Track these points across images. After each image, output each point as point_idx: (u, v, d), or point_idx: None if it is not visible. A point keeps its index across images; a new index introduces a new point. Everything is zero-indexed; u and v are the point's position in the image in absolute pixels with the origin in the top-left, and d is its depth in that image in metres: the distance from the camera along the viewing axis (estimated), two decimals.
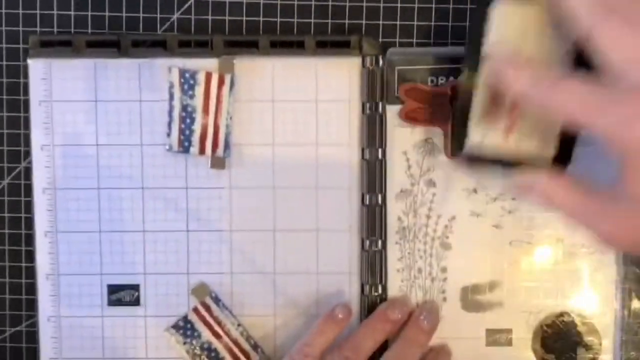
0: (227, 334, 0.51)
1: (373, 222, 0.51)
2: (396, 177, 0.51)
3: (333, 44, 0.51)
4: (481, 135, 0.46)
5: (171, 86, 0.50)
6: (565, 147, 0.46)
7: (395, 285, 0.51)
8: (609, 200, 0.41)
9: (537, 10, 0.45)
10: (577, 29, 0.41)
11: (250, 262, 0.51)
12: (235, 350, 0.51)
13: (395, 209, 0.51)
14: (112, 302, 0.51)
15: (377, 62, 0.50)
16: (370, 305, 0.51)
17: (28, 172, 0.51)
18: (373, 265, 0.51)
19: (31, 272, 0.51)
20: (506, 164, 0.46)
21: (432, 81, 0.50)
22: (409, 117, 0.51)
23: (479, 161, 0.47)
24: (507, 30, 0.45)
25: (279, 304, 0.51)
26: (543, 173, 0.44)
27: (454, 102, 0.49)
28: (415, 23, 0.52)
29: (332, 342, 0.49)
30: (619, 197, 0.40)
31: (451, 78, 0.50)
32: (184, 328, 0.51)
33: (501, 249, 0.51)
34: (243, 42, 0.51)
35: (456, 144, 0.47)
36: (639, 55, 0.39)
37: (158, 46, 0.50)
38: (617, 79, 0.40)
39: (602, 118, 0.39)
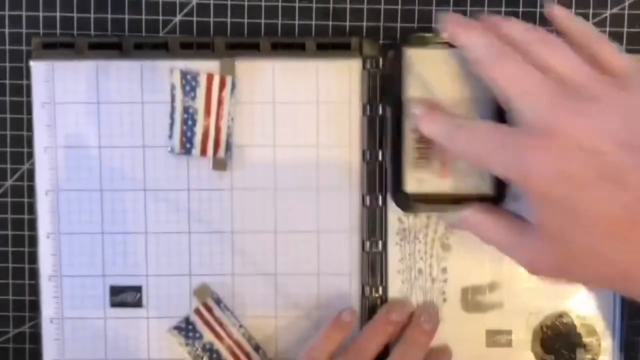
0: (229, 335, 0.51)
1: (373, 223, 0.51)
2: None
3: (334, 46, 0.51)
4: (417, 179, 0.48)
5: (173, 88, 0.50)
6: (501, 184, 0.48)
7: (395, 286, 0.51)
8: (526, 234, 0.42)
9: (449, 54, 0.47)
10: (480, 73, 0.42)
11: (251, 263, 0.51)
12: (237, 351, 0.51)
13: (395, 210, 0.51)
14: (115, 304, 0.51)
15: (377, 64, 0.50)
16: (371, 307, 0.51)
17: (31, 173, 0.51)
18: (373, 266, 0.51)
19: (34, 274, 0.51)
20: (445, 204, 0.48)
21: None
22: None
23: (419, 203, 0.49)
24: (422, 74, 0.48)
25: (280, 305, 0.51)
26: (471, 208, 0.46)
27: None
28: (416, 25, 0.52)
29: (338, 346, 0.49)
30: (532, 231, 0.42)
31: None
32: (186, 329, 0.51)
33: None
34: (244, 44, 0.51)
35: (394, 187, 0.49)
36: (530, 91, 0.40)
37: (160, 48, 0.50)
38: (514, 118, 0.41)
39: (498, 159, 0.40)
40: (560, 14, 0.45)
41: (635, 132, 0.38)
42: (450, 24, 0.44)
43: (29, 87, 0.51)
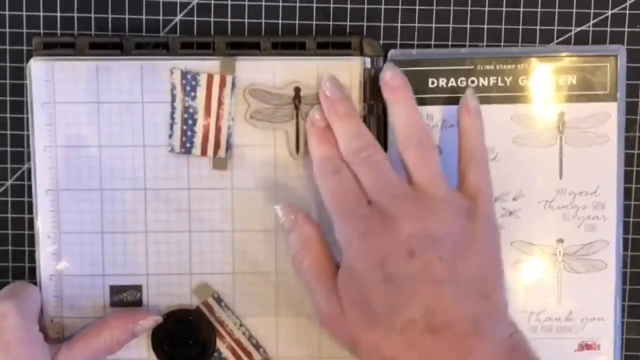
0: (230, 334, 0.51)
1: None
2: None
3: (334, 45, 0.51)
4: None
5: (173, 88, 0.50)
6: None
7: None
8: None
9: None
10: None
11: (252, 262, 0.51)
12: (238, 350, 0.51)
13: None
14: (115, 303, 0.51)
15: (377, 63, 0.50)
16: None
17: (31, 173, 0.51)
18: None
19: (34, 273, 0.51)
20: None
21: (432, 82, 0.51)
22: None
23: None
24: None
25: (281, 304, 0.51)
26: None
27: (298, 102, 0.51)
28: (417, 25, 0.52)
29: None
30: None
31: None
32: None
33: (502, 249, 0.51)
34: (245, 43, 0.51)
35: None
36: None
37: (160, 48, 0.51)
38: None
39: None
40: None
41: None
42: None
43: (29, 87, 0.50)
